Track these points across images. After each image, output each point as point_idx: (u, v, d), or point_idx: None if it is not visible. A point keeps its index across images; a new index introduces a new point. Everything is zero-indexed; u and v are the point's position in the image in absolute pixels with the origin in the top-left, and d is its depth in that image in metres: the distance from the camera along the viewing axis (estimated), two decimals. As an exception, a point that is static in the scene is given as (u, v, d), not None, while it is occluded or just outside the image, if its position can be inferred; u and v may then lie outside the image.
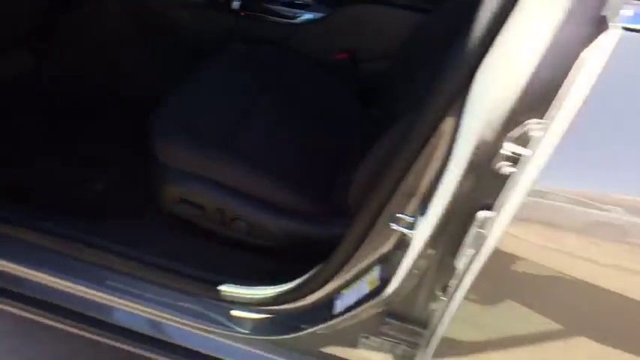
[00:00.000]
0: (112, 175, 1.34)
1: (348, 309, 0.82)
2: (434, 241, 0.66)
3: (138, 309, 1.06)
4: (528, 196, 0.53)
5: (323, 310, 0.90)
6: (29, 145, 1.40)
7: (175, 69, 1.34)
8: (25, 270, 1.08)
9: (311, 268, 0.97)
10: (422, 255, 0.68)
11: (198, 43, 1.48)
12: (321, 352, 0.93)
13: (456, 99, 0.60)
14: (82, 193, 1.31)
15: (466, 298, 0.64)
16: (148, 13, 1.49)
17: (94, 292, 1.07)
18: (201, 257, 1.11)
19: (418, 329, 0.79)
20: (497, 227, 0.56)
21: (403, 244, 0.74)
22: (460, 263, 0.65)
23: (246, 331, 0.99)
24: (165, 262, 1.07)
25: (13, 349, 1.38)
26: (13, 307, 1.11)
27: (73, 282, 1.07)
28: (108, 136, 1.43)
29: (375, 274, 0.81)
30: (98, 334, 1.10)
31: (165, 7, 1.45)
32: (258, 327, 0.99)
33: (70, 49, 1.51)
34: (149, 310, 1.04)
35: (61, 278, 1.08)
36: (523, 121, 0.54)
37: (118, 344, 1.13)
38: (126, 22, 1.52)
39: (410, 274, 0.71)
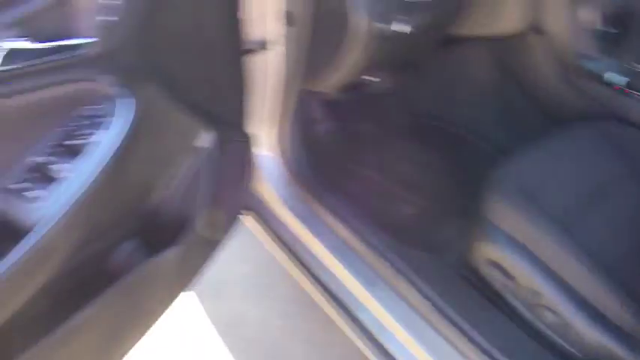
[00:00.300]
0: (424, 204, 1.38)
1: None
2: None
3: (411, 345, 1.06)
4: None
5: None
6: (362, 153, 1.55)
7: (526, 129, 1.29)
8: (330, 258, 1.20)
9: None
10: None
11: (558, 108, 1.40)
12: None
13: None
14: (393, 211, 1.38)
15: None
16: (514, 66, 1.47)
17: (377, 305, 1.11)
18: (494, 329, 1.03)
19: None
20: None
21: None
22: None
23: None
24: (456, 316, 1.03)
25: (288, 314, 1.56)
26: (309, 281, 1.25)
27: (367, 289, 1.14)
28: (434, 166, 1.48)
29: None
30: (358, 338, 1.15)
31: (536, 64, 1.41)
32: None
33: (427, 81, 1.61)
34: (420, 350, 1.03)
35: (356, 279, 1.16)
36: None
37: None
38: (489, 69, 1.53)
39: None
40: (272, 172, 1.31)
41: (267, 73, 1.16)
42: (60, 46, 0.63)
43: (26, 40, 0.59)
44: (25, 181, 0.65)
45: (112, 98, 0.73)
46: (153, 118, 0.82)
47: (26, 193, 0.64)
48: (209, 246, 1.10)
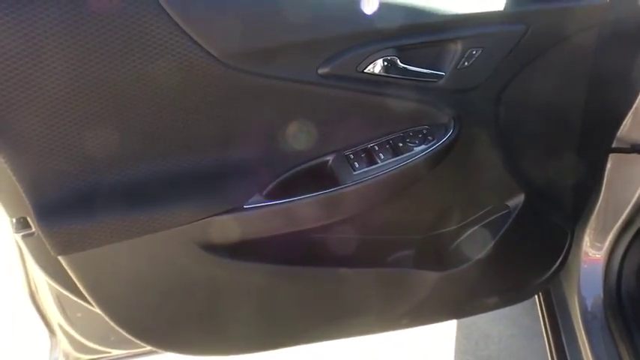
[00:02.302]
0: None
1: None
2: None
3: None
4: None
5: None
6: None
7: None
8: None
9: None
10: None
11: None
12: None
13: None
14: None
15: None
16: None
17: None
18: None
19: None
20: None
21: None
22: None
23: None
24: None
25: None
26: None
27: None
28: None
29: None
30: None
31: None
32: None
33: None
34: None
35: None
36: None
37: None
38: None
39: None
40: (587, 278, 1.19)
41: (631, 180, 1.07)
42: (419, 72, 0.84)
43: (396, 59, 0.81)
44: (356, 155, 0.89)
45: (441, 125, 0.89)
46: (468, 156, 0.93)
47: (353, 162, 0.87)
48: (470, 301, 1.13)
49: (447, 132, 0.88)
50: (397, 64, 0.82)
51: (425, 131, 0.89)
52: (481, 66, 0.84)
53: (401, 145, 0.88)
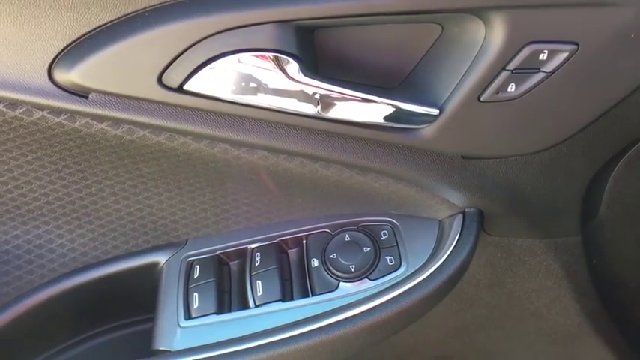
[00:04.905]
0: None
1: None
2: None
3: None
4: None
5: None
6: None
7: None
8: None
9: None
10: None
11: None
12: None
13: None
14: None
15: None
16: None
17: None
18: None
19: None
20: None
21: None
22: None
23: None
24: None
25: None
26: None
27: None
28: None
29: None
30: None
31: None
32: None
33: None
34: None
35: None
36: None
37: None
38: None
39: None
40: None
41: None
42: (401, 109, 0.35)
43: (294, 62, 0.32)
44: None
45: (430, 223, 0.40)
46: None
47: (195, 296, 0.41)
48: None
49: (442, 244, 0.39)
50: (296, 75, 0.34)
51: (385, 234, 0.40)
52: (566, 96, 0.33)
53: (316, 274, 0.41)
